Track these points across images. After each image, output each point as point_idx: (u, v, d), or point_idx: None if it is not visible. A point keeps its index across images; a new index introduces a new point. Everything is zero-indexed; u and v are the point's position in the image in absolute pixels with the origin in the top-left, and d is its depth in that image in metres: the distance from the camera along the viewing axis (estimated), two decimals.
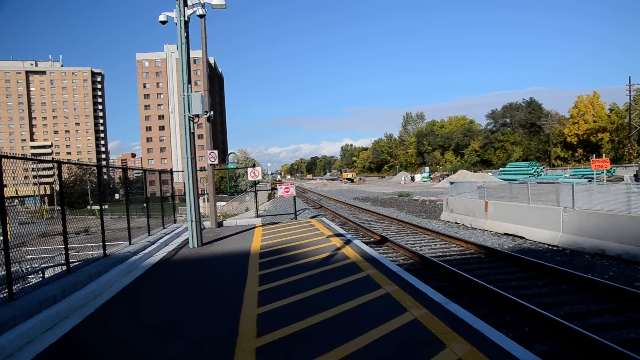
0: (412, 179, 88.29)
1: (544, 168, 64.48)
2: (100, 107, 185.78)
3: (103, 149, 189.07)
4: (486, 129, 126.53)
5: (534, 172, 56.56)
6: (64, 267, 8.48)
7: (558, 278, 9.48)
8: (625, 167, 60.44)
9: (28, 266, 11.47)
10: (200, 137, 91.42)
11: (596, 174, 36.19)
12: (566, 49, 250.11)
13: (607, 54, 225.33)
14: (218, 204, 25.75)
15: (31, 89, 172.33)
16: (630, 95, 74.41)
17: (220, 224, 18.70)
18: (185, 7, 12.49)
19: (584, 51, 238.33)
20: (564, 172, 60.23)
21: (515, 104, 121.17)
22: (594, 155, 47.89)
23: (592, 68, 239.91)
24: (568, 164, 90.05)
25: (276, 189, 25.38)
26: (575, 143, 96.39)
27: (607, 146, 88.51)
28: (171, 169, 19.54)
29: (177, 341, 5.51)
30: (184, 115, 12.58)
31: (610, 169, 47.90)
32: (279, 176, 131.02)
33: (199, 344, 5.35)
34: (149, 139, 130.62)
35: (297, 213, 23.16)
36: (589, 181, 34.00)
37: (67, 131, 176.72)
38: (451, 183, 23.29)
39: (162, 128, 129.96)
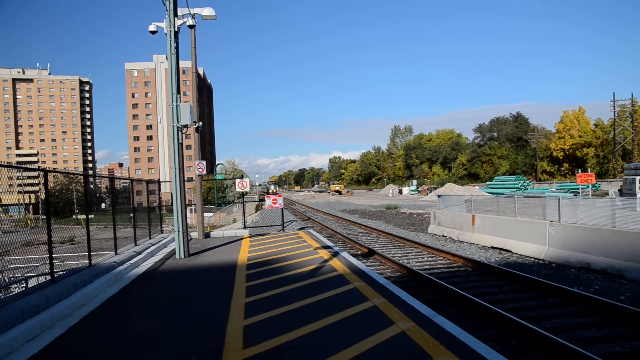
0: (400, 191, 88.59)
1: (530, 182, 65.21)
2: (88, 115, 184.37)
3: (90, 158, 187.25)
4: (474, 142, 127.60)
5: (521, 186, 57.15)
6: (48, 277, 8.36)
7: (544, 291, 9.53)
8: (610, 181, 61.38)
9: (11, 275, 11.30)
10: (189, 147, 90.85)
11: (582, 189, 36.63)
12: (558, 59, 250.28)
13: (601, 63, 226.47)
14: (205, 214, 25.64)
15: (18, 96, 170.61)
16: (614, 111, 75.93)
17: (207, 235, 18.59)
18: (176, 18, 12.51)
19: (576, 61, 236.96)
20: (550, 186, 60.92)
21: (503, 118, 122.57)
22: (580, 169, 48.38)
23: (583, 79, 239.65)
24: (554, 178, 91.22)
25: (264, 200, 25.31)
26: (561, 157, 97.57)
27: (592, 161, 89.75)
28: (158, 179, 19.46)
29: (163, 352, 5.45)
30: (173, 126, 12.54)
31: (596, 183, 48.56)
32: (272, 186, 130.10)
33: (184, 355, 5.30)
34: (136, 149, 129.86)
35: (285, 225, 23.12)
36: (574, 195, 34.37)
37: (53, 140, 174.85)
38: (439, 196, 23.42)
39: (150, 138, 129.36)
